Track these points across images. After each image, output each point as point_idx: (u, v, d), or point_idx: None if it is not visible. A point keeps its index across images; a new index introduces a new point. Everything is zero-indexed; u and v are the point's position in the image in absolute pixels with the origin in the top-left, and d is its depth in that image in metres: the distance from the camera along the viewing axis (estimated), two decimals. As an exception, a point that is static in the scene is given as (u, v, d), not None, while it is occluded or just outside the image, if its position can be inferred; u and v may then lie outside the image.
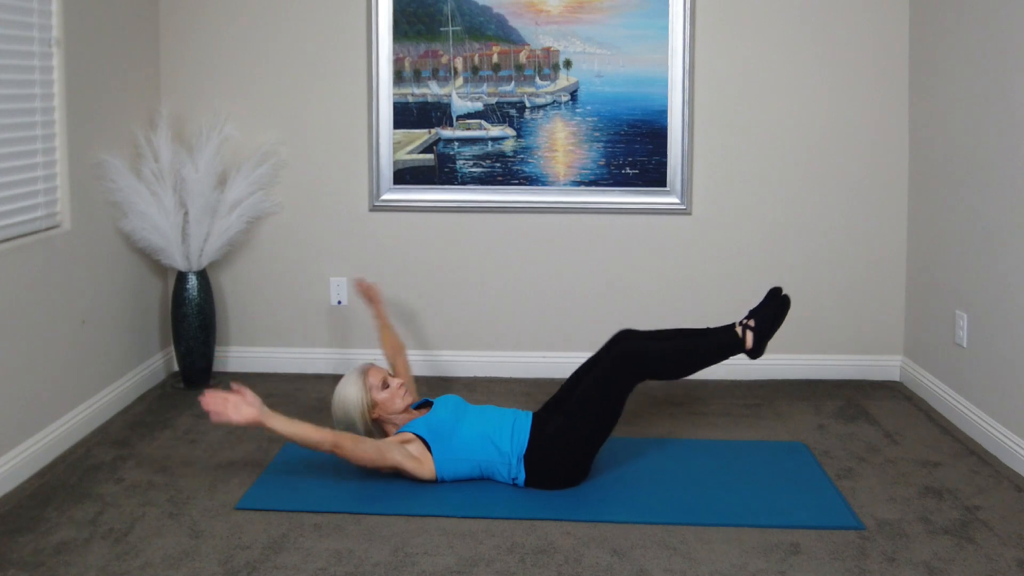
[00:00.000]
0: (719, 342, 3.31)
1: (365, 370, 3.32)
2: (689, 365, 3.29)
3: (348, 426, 3.26)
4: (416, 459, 3.15)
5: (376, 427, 3.31)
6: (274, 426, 3.01)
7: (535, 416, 3.25)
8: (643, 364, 3.21)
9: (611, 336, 3.40)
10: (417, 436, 3.19)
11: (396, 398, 3.29)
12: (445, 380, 4.39)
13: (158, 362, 4.34)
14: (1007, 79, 3.41)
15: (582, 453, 3.17)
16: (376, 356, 4.44)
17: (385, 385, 3.29)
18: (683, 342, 3.31)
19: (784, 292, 3.39)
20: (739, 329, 3.31)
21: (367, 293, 3.90)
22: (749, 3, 4.25)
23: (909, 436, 3.68)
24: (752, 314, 3.34)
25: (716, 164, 4.33)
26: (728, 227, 4.37)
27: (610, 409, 3.19)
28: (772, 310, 3.33)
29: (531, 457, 3.14)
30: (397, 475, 3.21)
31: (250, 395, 3.03)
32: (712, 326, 3.44)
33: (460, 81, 4.35)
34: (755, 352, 3.32)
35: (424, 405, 3.44)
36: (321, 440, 3.03)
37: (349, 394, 3.27)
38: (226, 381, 4.33)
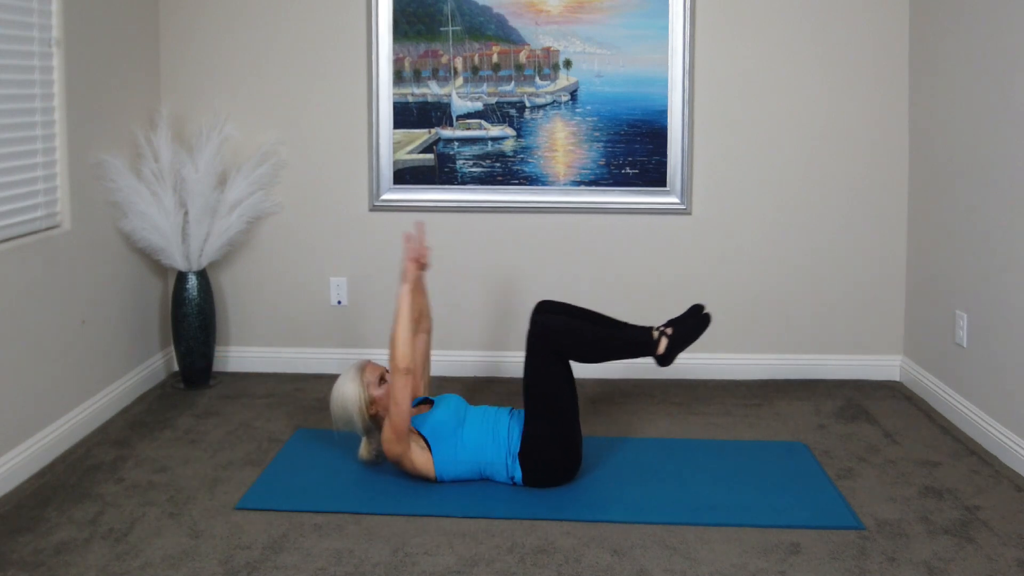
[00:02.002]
0: (634, 339, 3.28)
1: (362, 367, 3.31)
2: (600, 353, 3.26)
3: (346, 423, 3.26)
4: (422, 449, 3.15)
5: (375, 423, 3.30)
6: (416, 279, 3.29)
7: (526, 413, 3.24)
8: (557, 341, 3.17)
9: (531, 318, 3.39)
10: (418, 433, 3.19)
11: None
12: (445, 380, 4.39)
13: (158, 362, 4.34)
14: (1007, 79, 3.41)
15: (562, 440, 3.15)
16: (376, 355, 4.44)
17: (382, 381, 3.28)
18: (599, 330, 3.28)
19: (706, 311, 3.37)
20: (655, 333, 3.29)
21: (418, 257, 3.39)
22: (749, 3, 4.25)
23: (909, 436, 3.69)
24: (672, 323, 3.32)
25: (716, 164, 4.33)
26: (728, 227, 4.37)
27: (555, 388, 3.15)
28: (692, 324, 3.32)
29: (524, 454, 3.14)
30: (397, 474, 3.21)
31: (422, 246, 3.30)
32: (630, 323, 3.43)
33: (460, 81, 4.35)
34: (665, 360, 3.30)
35: (424, 402, 3.44)
36: (402, 355, 3.12)
37: (347, 391, 3.26)
38: (226, 381, 4.33)
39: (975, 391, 3.68)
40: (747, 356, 4.43)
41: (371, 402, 3.26)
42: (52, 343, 3.46)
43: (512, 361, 4.46)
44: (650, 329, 3.31)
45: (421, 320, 3.57)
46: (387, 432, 3.13)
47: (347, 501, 3.07)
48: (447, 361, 4.46)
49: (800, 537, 2.84)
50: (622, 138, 4.32)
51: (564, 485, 3.20)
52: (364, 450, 3.36)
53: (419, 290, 3.57)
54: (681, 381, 4.37)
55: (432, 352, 4.47)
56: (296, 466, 3.36)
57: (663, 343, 3.27)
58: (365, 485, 3.19)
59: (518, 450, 3.15)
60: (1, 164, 3.21)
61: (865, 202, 4.33)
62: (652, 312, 4.40)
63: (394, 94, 4.36)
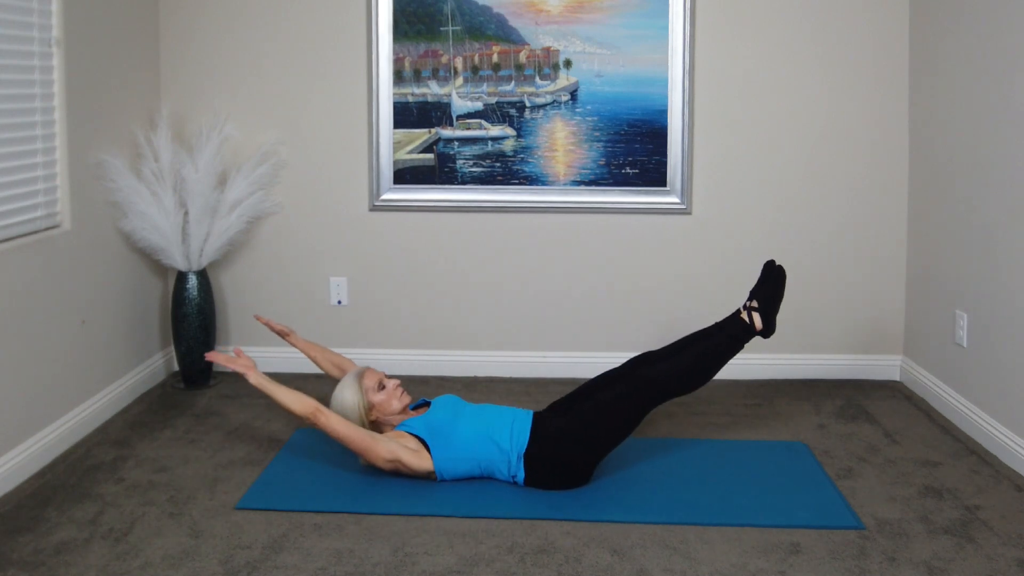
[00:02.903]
0: (730, 334, 3.32)
1: (361, 373, 3.33)
2: (709, 369, 3.30)
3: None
4: (414, 450, 3.15)
5: (375, 429, 3.31)
6: (258, 382, 3.17)
7: (536, 415, 3.25)
8: (664, 389, 3.23)
9: (631, 359, 3.39)
10: (414, 435, 3.20)
11: (393, 399, 3.30)
12: (445, 380, 4.39)
13: (158, 362, 4.34)
14: (1007, 79, 3.41)
15: (584, 458, 3.16)
16: (376, 355, 4.45)
17: (381, 386, 3.30)
18: (697, 348, 3.31)
19: (778, 264, 3.40)
20: (745, 315, 3.33)
21: (279, 332, 3.78)
22: (749, 3, 4.25)
23: (909, 436, 3.69)
24: (753, 295, 3.36)
25: (716, 164, 4.33)
26: (728, 227, 4.37)
27: (624, 424, 3.20)
28: (771, 284, 3.35)
29: (531, 455, 3.14)
30: (397, 474, 3.21)
31: (246, 357, 3.27)
32: (717, 321, 3.44)
33: (460, 81, 4.35)
34: (767, 331, 3.35)
35: (422, 405, 3.45)
36: (303, 409, 3.12)
37: (346, 397, 3.28)
38: (227, 381, 4.33)
39: (975, 391, 3.68)
40: (747, 356, 4.41)
41: (370, 408, 3.28)
42: (52, 343, 3.46)
43: (512, 361, 4.46)
44: (737, 314, 3.35)
45: (339, 362, 3.72)
46: (372, 457, 3.16)
47: (347, 501, 3.07)
48: (447, 361, 4.46)
49: (800, 537, 2.84)
50: (622, 138, 4.32)
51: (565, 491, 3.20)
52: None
53: (312, 348, 3.75)
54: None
55: (433, 352, 4.48)
56: (296, 466, 3.36)
57: (757, 318, 3.32)
58: (365, 485, 3.19)
59: (524, 450, 3.15)
60: (1, 164, 3.21)
61: (865, 202, 4.33)
62: (652, 312, 4.40)
63: (394, 94, 4.36)
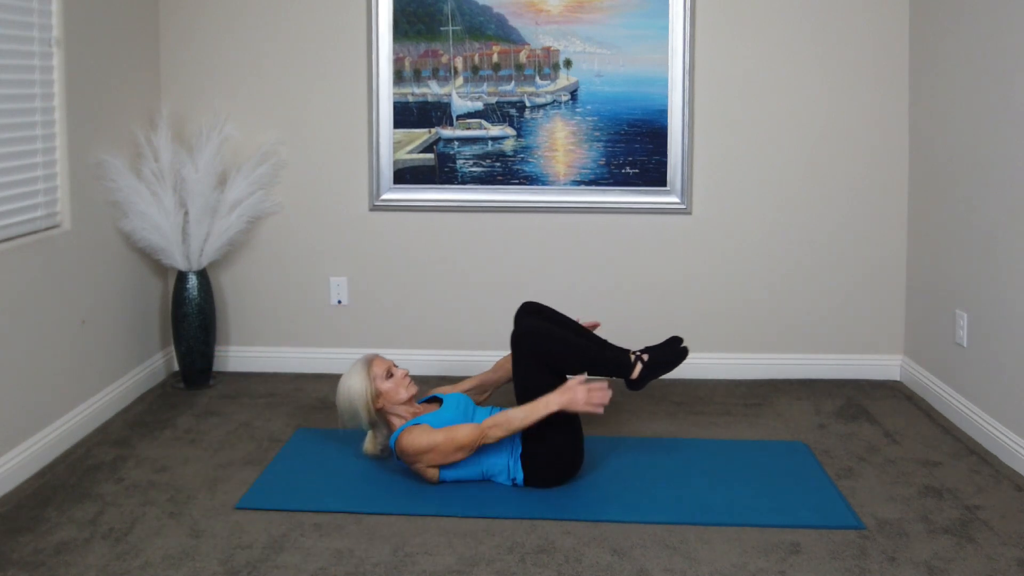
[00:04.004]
0: (613, 360, 3.32)
1: (369, 360, 3.31)
2: (579, 364, 3.28)
3: (352, 417, 3.25)
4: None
5: (380, 417, 3.29)
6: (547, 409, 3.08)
7: None
8: (541, 344, 3.19)
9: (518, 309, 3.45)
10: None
11: (400, 388, 3.26)
12: (446, 380, 4.38)
13: (158, 362, 4.34)
14: (1007, 79, 3.41)
15: (561, 440, 3.14)
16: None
17: (389, 375, 3.27)
18: (581, 341, 3.32)
19: (684, 344, 3.42)
20: (632, 357, 3.34)
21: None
22: (749, 3, 4.25)
23: (909, 436, 3.69)
24: (649, 350, 3.38)
25: (716, 164, 4.33)
26: (728, 227, 4.37)
27: (547, 390, 3.13)
28: (669, 354, 3.37)
29: (525, 455, 3.14)
30: (398, 473, 3.21)
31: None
32: (610, 342, 3.45)
33: (460, 81, 4.35)
34: (637, 385, 3.36)
35: (433, 400, 3.44)
36: (497, 437, 3.09)
37: (353, 384, 3.25)
38: (226, 381, 4.33)
39: (975, 391, 3.68)
40: (747, 356, 4.43)
41: (377, 395, 3.25)
42: (52, 343, 3.46)
43: (512, 361, 4.46)
44: (628, 352, 3.35)
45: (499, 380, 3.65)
46: (428, 453, 3.11)
47: (347, 501, 3.07)
48: (448, 361, 4.46)
49: (800, 537, 2.84)
50: (622, 138, 4.32)
51: (566, 484, 3.20)
52: (369, 444, 3.36)
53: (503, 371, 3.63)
54: (681, 381, 4.37)
55: (433, 352, 4.48)
56: (296, 466, 3.36)
57: (638, 368, 3.33)
58: (365, 485, 3.19)
59: (520, 451, 3.15)
60: (1, 164, 3.21)
61: (865, 202, 4.33)
62: (652, 312, 4.40)
63: (394, 94, 4.36)
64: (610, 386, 3.17)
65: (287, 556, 2.72)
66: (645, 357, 3.34)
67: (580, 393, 3.06)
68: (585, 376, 3.20)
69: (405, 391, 3.27)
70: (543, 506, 3.04)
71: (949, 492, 3.16)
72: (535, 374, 3.17)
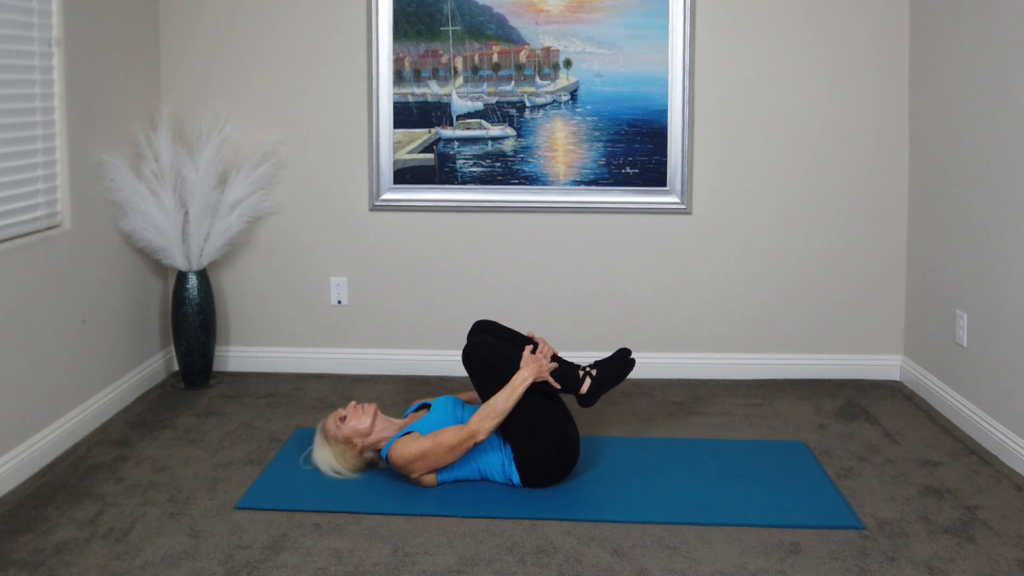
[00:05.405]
0: (562, 374, 3.31)
1: (321, 427, 3.30)
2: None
3: (351, 471, 3.24)
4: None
5: (373, 451, 3.26)
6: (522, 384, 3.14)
7: (502, 432, 3.23)
8: (488, 362, 3.19)
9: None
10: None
11: (358, 420, 3.22)
12: (445, 380, 4.39)
13: (158, 362, 4.34)
14: (1007, 79, 3.41)
15: (549, 444, 3.13)
16: (376, 355, 4.45)
17: (342, 419, 3.25)
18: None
19: (632, 356, 3.43)
20: (581, 373, 3.34)
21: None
22: (749, 3, 4.25)
23: (909, 436, 3.69)
24: (597, 365, 3.37)
25: (716, 164, 4.33)
26: (728, 227, 4.37)
27: (519, 404, 3.14)
28: (616, 368, 3.37)
29: (517, 459, 3.14)
30: (397, 474, 3.21)
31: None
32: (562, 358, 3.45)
33: (460, 81, 4.35)
34: (587, 400, 3.35)
35: (421, 408, 3.44)
36: (487, 431, 3.10)
37: (322, 456, 3.25)
38: (227, 381, 4.33)
39: (975, 391, 3.68)
40: (747, 356, 4.43)
41: (348, 445, 3.22)
42: (52, 343, 3.46)
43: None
44: (577, 367, 3.35)
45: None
46: (418, 460, 3.10)
47: (347, 501, 3.07)
48: (445, 361, 4.46)
49: (800, 537, 2.84)
50: (622, 138, 4.32)
51: (563, 482, 3.20)
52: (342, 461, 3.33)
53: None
54: (681, 381, 4.37)
55: (433, 352, 4.48)
56: (296, 466, 3.35)
57: (586, 383, 3.33)
58: (365, 485, 3.19)
59: (513, 455, 3.15)
60: (1, 164, 3.21)
61: (865, 202, 4.33)
62: (652, 312, 4.40)
63: (394, 94, 4.36)
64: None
65: (287, 556, 2.72)
66: (594, 372, 3.34)
67: (542, 361, 3.19)
68: (532, 346, 3.28)
69: (366, 417, 3.23)
70: (543, 506, 3.04)
71: (949, 492, 3.16)
72: (492, 386, 3.18)
